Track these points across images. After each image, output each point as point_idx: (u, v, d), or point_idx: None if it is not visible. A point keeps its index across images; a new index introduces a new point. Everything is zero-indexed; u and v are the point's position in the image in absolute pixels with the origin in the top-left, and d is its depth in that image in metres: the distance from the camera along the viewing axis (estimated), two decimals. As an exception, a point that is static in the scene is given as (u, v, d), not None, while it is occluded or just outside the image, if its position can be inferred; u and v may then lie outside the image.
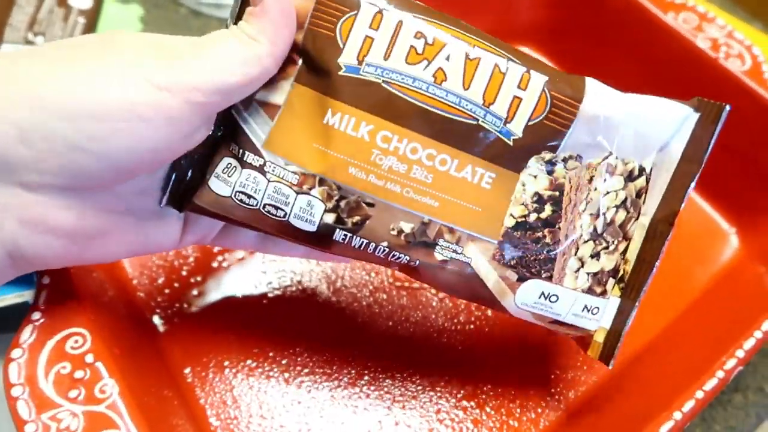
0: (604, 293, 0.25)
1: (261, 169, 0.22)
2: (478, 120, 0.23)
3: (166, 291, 0.32)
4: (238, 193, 0.23)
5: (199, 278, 0.33)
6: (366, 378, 0.31)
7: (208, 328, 0.31)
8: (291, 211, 0.23)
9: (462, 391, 0.31)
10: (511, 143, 0.23)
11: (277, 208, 0.23)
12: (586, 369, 0.32)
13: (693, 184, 0.24)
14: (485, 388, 0.31)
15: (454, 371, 0.32)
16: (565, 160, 0.24)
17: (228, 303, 0.32)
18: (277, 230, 0.23)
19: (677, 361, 0.31)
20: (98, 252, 0.21)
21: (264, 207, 0.23)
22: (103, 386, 0.22)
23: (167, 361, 0.30)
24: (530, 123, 0.23)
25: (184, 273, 0.33)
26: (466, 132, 0.23)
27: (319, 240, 0.23)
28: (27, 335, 0.23)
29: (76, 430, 0.21)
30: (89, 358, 0.23)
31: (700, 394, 0.26)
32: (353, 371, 0.31)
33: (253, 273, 0.33)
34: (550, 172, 0.24)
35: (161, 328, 0.31)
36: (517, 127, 0.23)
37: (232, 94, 0.21)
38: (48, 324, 0.23)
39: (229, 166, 0.23)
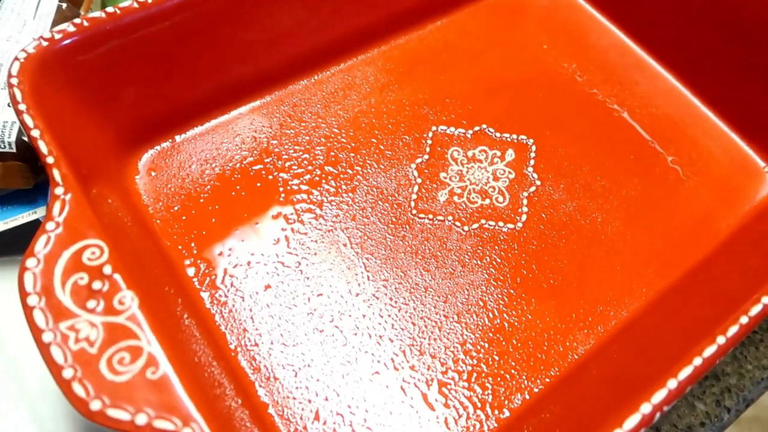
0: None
1: None
2: None
3: (183, 218, 0.31)
4: None
5: (217, 206, 0.32)
6: (390, 309, 0.30)
7: (225, 255, 0.30)
8: None
9: (488, 323, 0.30)
10: None
11: None
12: (626, 301, 0.31)
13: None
14: (512, 320, 0.30)
15: (480, 303, 0.31)
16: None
17: (246, 230, 0.31)
18: None
19: (705, 302, 0.30)
20: None
21: None
22: (122, 298, 0.21)
23: (185, 287, 0.29)
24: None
25: (201, 201, 0.32)
26: None
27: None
28: (42, 245, 0.22)
29: (96, 340, 0.21)
30: (107, 270, 0.22)
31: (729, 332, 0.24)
32: (377, 303, 0.30)
33: (272, 202, 0.32)
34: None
35: (179, 252, 0.30)
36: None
37: None
38: (64, 235, 0.22)
39: None
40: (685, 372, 0.22)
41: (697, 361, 0.23)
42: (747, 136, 0.37)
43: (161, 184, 0.32)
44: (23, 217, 0.28)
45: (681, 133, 0.37)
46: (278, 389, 0.28)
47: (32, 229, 0.29)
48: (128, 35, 0.29)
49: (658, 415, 0.22)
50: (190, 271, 0.30)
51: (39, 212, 0.28)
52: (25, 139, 0.28)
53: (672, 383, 0.22)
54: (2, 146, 0.28)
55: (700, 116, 0.38)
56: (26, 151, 0.28)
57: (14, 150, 0.28)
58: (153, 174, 0.32)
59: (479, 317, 0.30)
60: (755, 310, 0.24)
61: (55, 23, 0.31)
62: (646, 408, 0.22)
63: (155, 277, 0.26)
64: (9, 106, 0.29)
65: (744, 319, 0.24)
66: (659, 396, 0.22)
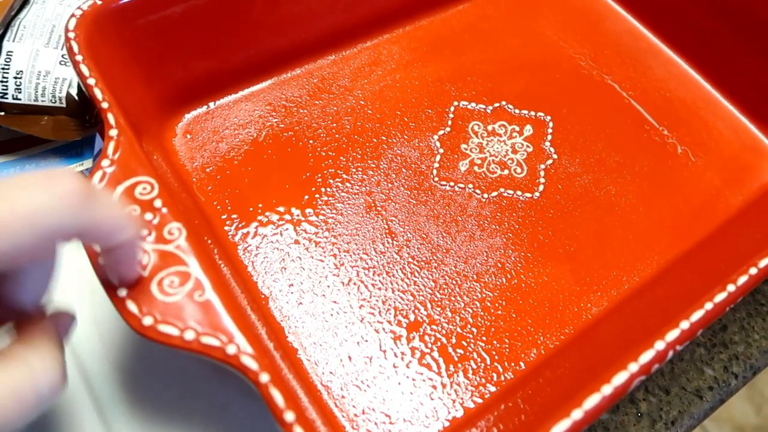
0: None
1: None
2: None
3: (218, 177, 0.33)
4: None
5: (249, 168, 0.33)
6: (412, 267, 0.31)
7: (258, 212, 0.32)
8: None
9: (506, 283, 0.31)
10: None
11: None
12: (639, 268, 0.33)
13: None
14: (529, 282, 0.32)
15: (498, 264, 0.32)
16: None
17: (277, 190, 0.33)
18: None
19: (713, 269, 0.31)
20: None
21: None
22: (171, 229, 0.23)
23: (220, 238, 0.31)
24: None
25: (235, 163, 0.34)
26: None
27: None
28: (97, 180, 0.24)
29: (147, 264, 0.22)
30: (157, 203, 0.23)
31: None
32: (400, 261, 0.32)
33: (302, 166, 0.34)
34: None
35: (213, 208, 0.32)
36: None
37: None
38: (118, 171, 0.24)
39: None
40: (698, 314, 0.24)
41: (709, 305, 0.24)
42: (756, 118, 0.38)
43: (197, 146, 0.34)
44: (72, 168, 0.29)
45: (692, 114, 0.39)
46: (307, 335, 0.29)
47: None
48: (173, 5, 0.31)
49: (671, 353, 0.23)
50: (225, 225, 0.31)
51: (86, 164, 0.30)
52: (74, 94, 0.30)
53: (684, 324, 0.24)
54: (54, 101, 0.30)
55: (711, 99, 0.39)
56: (75, 105, 0.30)
57: (64, 105, 0.30)
58: (188, 137, 0.34)
59: (497, 278, 0.32)
60: (764, 262, 0.26)
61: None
62: (659, 345, 0.23)
63: (195, 226, 0.28)
64: (61, 63, 0.30)
65: (753, 270, 0.25)
66: (672, 335, 0.23)
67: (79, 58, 0.26)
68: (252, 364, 0.21)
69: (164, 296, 0.22)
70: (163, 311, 0.21)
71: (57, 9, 0.32)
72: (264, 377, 0.21)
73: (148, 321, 0.21)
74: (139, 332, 0.21)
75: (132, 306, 0.21)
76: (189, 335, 0.21)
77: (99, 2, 0.28)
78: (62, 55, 0.31)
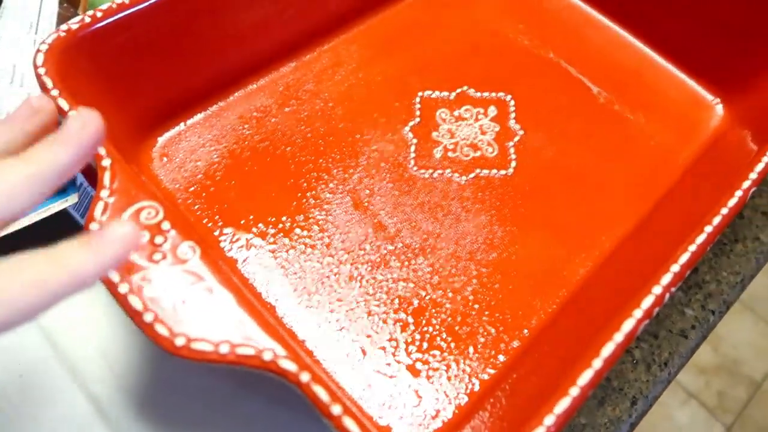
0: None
1: None
2: None
3: (204, 194, 0.33)
4: None
5: (233, 182, 0.34)
6: (408, 255, 0.32)
7: (249, 223, 0.32)
8: None
9: (497, 258, 0.33)
10: None
11: None
12: (615, 227, 0.35)
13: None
14: (520, 253, 0.33)
15: (488, 241, 0.33)
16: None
17: (264, 200, 0.33)
18: None
19: (670, 225, 0.34)
20: None
21: None
22: (185, 249, 0.23)
23: (217, 253, 0.31)
24: None
25: (217, 178, 0.34)
26: None
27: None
28: (99, 211, 0.23)
29: (167, 286, 0.22)
30: (165, 226, 0.23)
31: (692, 248, 0.26)
32: (395, 251, 0.33)
33: (284, 173, 0.34)
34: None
35: (204, 226, 0.32)
36: None
37: None
38: (119, 200, 0.24)
39: None
40: (684, 257, 0.26)
41: (692, 247, 0.26)
42: (694, 73, 0.41)
43: (176, 167, 0.34)
44: (54, 206, 0.29)
45: (636, 79, 0.41)
46: (320, 336, 0.30)
47: (61, 219, 0.30)
48: (130, 29, 0.31)
49: (667, 295, 0.25)
50: (220, 242, 0.31)
51: (70, 200, 0.29)
52: (47, 132, 0.30)
53: (675, 267, 0.26)
54: (26, 139, 0.29)
55: (650, 61, 0.42)
56: (49, 142, 0.29)
57: (38, 142, 0.29)
58: (165, 159, 0.34)
59: (489, 254, 0.33)
60: (732, 201, 0.28)
61: (57, 24, 0.32)
62: (657, 289, 0.25)
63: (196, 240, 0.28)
64: (28, 101, 0.30)
65: (724, 210, 0.28)
66: (667, 278, 0.25)
67: (55, 92, 0.26)
68: (290, 366, 0.21)
69: (191, 315, 0.22)
70: (193, 329, 0.21)
71: (10, 50, 0.31)
72: (305, 376, 0.21)
73: (180, 341, 0.21)
74: (173, 353, 0.21)
75: (161, 329, 0.21)
76: (224, 348, 0.21)
77: (63, 34, 0.28)
78: (27, 93, 0.30)
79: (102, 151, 0.25)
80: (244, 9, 0.35)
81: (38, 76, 0.26)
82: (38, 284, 0.17)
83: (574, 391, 0.22)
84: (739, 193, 0.28)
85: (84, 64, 0.29)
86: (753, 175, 0.30)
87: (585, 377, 0.23)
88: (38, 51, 0.27)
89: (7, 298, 0.16)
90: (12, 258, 0.17)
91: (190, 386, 0.29)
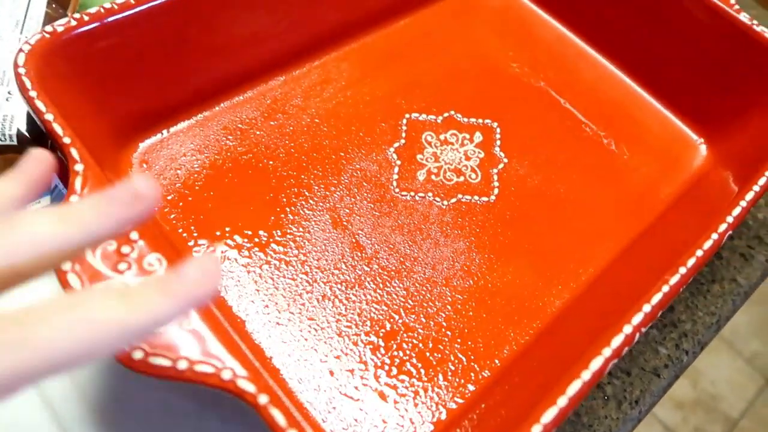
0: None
1: None
2: None
3: (181, 204, 0.33)
4: None
5: (212, 193, 0.33)
6: (384, 277, 0.32)
7: (225, 236, 0.32)
8: None
9: (473, 285, 0.33)
10: None
11: None
12: (593, 259, 0.35)
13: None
14: (495, 282, 0.33)
15: (465, 267, 0.33)
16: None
17: (242, 213, 0.33)
18: None
19: (647, 262, 0.34)
20: None
21: None
22: (151, 261, 0.23)
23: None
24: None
25: (196, 188, 0.33)
26: None
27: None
28: (68, 217, 0.23)
29: (130, 298, 0.22)
30: (133, 236, 0.23)
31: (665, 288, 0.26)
32: (371, 273, 0.32)
33: (264, 186, 0.34)
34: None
35: (179, 236, 0.31)
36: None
37: None
38: (88, 206, 0.23)
39: None
40: (657, 297, 0.26)
41: (665, 288, 0.26)
42: (680, 112, 0.42)
43: (155, 175, 0.33)
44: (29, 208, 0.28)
45: (622, 113, 0.42)
46: (288, 354, 0.29)
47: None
48: (117, 34, 0.31)
49: (637, 335, 0.25)
50: (194, 252, 0.31)
51: (43, 202, 0.29)
52: (24, 131, 0.29)
53: (647, 307, 0.25)
54: (3, 139, 0.29)
55: (638, 97, 0.43)
56: (26, 142, 0.29)
57: (15, 143, 0.29)
58: (145, 166, 0.34)
59: (465, 281, 0.33)
60: (707, 244, 0.28)
61: (44, 24, 0.32)
62: (627, 328, 0.25)
63: (167, 253, 0.27)
64: (8, 100, 0.29)
65: (699, 252, 0.28)
66: (638, 318, 0.25)
67: (33, 94, 0.26)
68: (249, 387, 0.21)
69: (152, 328, 0.21)
70: (152, 343, 0.21)
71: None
72: (263, 399, 0.21)
73: (138, 355, 0.21)
74: (130, 367, 0.21)
75: (120, 341, 0.21)
76: (182, 365, 0.21)
77: (47, 35, 0.28)
78: (8, 92, 0.30)
79: (75, 155, 0.25)
80: (240, 21, 0.35)
81: (17, 76, 0.26)
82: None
83: (536, 429, 0.22)
84: (715, 236, 0.28)
85: (66, 66, 0.28)
86: (730, 219, 0.31)
87: (549, 415, 0.22)
88: (20, 51, 0.27)
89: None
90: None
91: (151, 400, 0.29)
